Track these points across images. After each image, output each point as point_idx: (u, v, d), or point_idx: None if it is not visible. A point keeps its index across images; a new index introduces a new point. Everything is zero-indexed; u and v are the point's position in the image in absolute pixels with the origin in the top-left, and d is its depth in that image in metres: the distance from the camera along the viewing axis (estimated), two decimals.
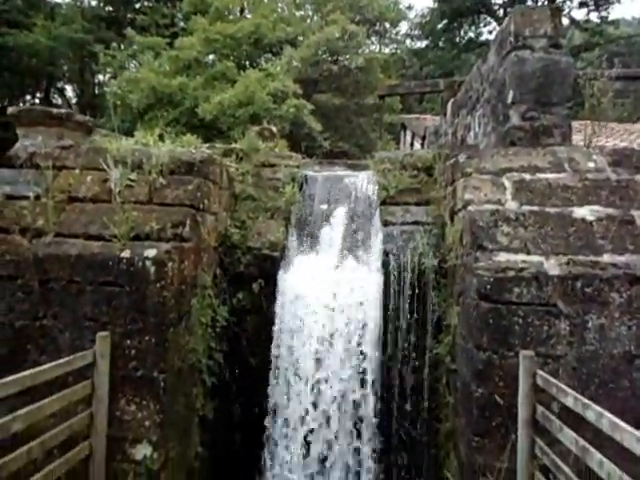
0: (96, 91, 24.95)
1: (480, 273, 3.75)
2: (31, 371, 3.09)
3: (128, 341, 3.92)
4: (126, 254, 3.99)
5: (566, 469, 2.94)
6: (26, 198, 4.36)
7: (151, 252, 3.97)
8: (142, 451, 3.81)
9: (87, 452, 3.66)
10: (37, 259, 4.04)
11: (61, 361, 3.43)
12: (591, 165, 4.35)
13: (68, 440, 3.57)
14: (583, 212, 4.01)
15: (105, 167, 4.46)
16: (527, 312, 3.66)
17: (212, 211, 4.85)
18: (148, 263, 3.94)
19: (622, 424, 2.36)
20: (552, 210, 4.03)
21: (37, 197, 4.36)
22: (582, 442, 2.76)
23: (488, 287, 3.71)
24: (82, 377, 3.71)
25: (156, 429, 3.85)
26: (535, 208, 4.06)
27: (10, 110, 4.77)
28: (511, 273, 3.71)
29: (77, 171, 4.56)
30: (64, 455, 3.44)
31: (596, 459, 2.58)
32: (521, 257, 3.79)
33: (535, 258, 3.77)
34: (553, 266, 3.72)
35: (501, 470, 3.51)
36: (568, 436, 2.91)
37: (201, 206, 4.51)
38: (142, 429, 3.85)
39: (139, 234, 4.10)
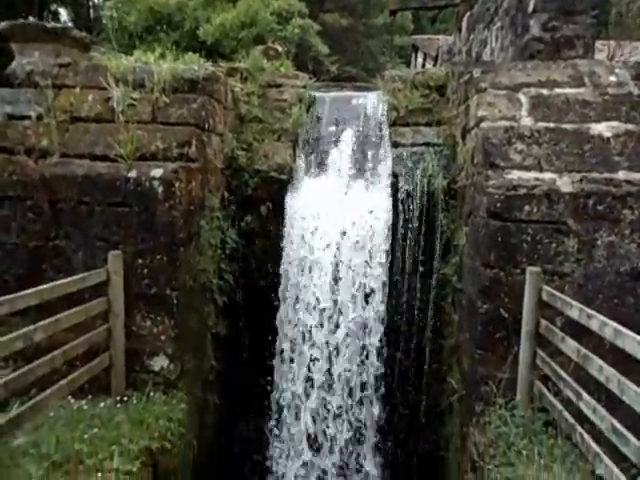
0: (92, 14, 23.74)
1: (491, 191, 3.70)
2: (48, 285, 3.18)
3: (140, 260, 3.99)
4: (133, 174, 3.96)
5: (565, 376, 3.06)
6: (28, 118, 4.27)
7: (158, 172, 3.94)
8: (159, 363, 4.00)
9: (107, 363, 3.85)
10: (44, 180, 4.03)
11: (76, 277, 3.52)
12: (613, 79, 4.13)
13: (88, 352, 3.76)
14: (600, 128, 3.87)
15: (106, 86, 4.32)
16: (536, 230, 3.64)
17: (218, 132, 4.74)
18: (155, 183, 3.93)
19: (625, 330, 2.41)
20: (568, 126, 3.89)
21: (39, 117, 4.26)
22: (583, 350, 2.85)
23: (498, 205, 3.67)
24: (98, 295, 3.82)
25: (171, 343, 4.02)
26: (551, 125, 3.92)
27: (2, 25, 4.55)
28: (522, 191, 3.65)
29: (77, 90, 4.42)
30: (86, 365, 3.62)
31: (596, 365, 2.66)
32: (533, 175, 3.71)
33: (548, 175, 3.70)
34: (566, 183, 3.65)
35: (502, 380, 3.66)
36: (570, 346, 3.00)
37: (206, 126, 4.40)
38: (158, 343, 4.02)
39: (145, 154, 4.05)
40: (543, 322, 3.41)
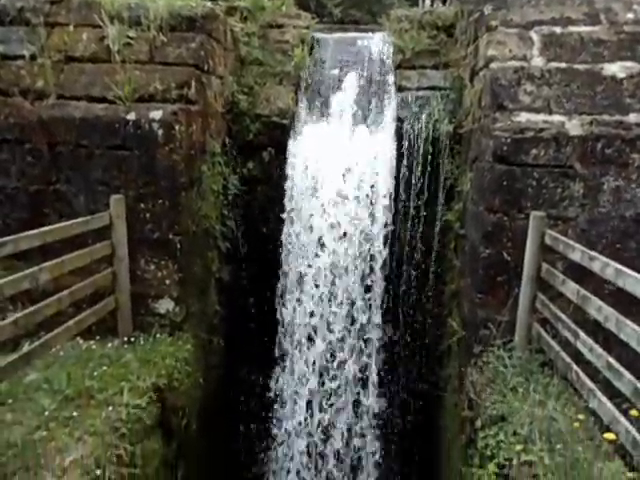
0: None
1: (497, 134, 3.63)
2: (51, 226, 3.19)
3: (142, 205, 3.98)
4: (132, 116, 3.88)
5: (564, 317, 3.11)
6: (21, 58, 4.13)
7: (157, 114, 3.86)
8: (165, 306, 4.07)
9: (113, 306, 3.92)
10: (42, 122, 3.95)
11: (79, 220, 3.52)
12: (630, 16, 3.94)
13: (95, 296, 3.82)
14: (614, 69, 3.73)
15: (100, 23, 4.15)
16: (542, 174, 3.60)
17: (218, 74, 4.60)
18: (155, 126, 3.85)
19: (626, 270, 2.42)
20: (581, 67, 3.75)
21: (33, 57, 4.13)
22: (583, 291, 2.88)
23: (504, 149, 3.60)
24: (101, 240, 3.83)
25: (176, 286, 4.07)
26: (563, 65, 3.78)
27: None
28: (530, 134, 3.58)
29: (71, 28, 4.24)
30: (92, 307, 3.69)
31: (595, 305, 2.70)
32: (542, 117, 3.62)
33: (557, 118, 3.61)
34: (575, 126, 3.57)
35: (501, 323, 3.73)
36: (570, 287, 3.03)
37: (205, 67, 4.26)
38: (163, 286, 4.08)
39: (143, 95, 3.95)
40: (544, 266, 3.43)
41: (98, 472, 2.70)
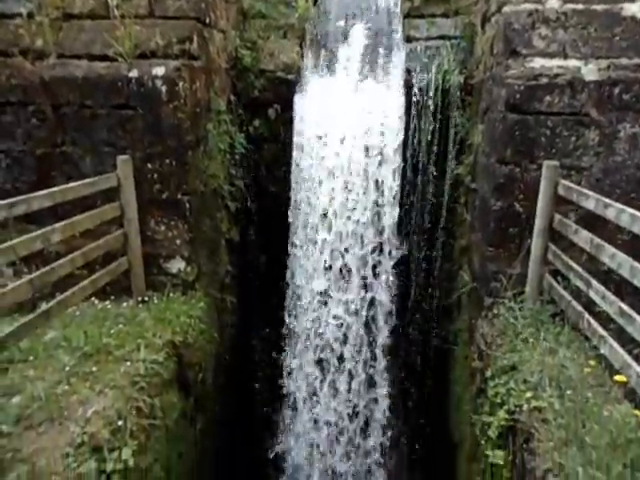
0: None
1: (510, 82, 3.51)
2: (61, 187, 3.19)
3: (149, 165, 3.95)
4: (134, 74, 3.80)
5: (576, 267, 3.09)
6: (19, 16, 4.01)
7: (160, 70, 3.77)
8: (176, 265, 4.11)
9: (126, 266, 3.96)
10: (44, 83, 3.88)
11: (87, 181, 3.51)
12: None
13: (107, 257, 3.86)
14: (635, 9, 3.54)
15: None
16: (556, 122, 3.50)
17: (220, 28, 4.46)
18: (158, 82, 3.77)
19: None
20: (599, 7, 3.57)
21: (30, 15, 4.01)
22: (596, 240, 2.84)
23: (517, 97, 3.49)
24: (110, 202, 3.84)
25: (187, 246, 4.10)
26: (579, 6, 3.59)
27: None
28: (544, 80, 3.46)
29: None
30: (105, 268, 3.74)
31: (608, 252, 2.67)
32: (557, 62, 3.49)
33: (572, 63, 3.47)
34: (591, 71, 3.43)
35: (512, 275, 3.72)
36: (583, 236, 2.99)
37: (207, 20, 4.13)
38: (174, 246, 4.10)
39: (144, 51, 3.84)
40: (557, 216, 3.38)
41: (120, 423, 2.80)
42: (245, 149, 4.89)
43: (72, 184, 3.36)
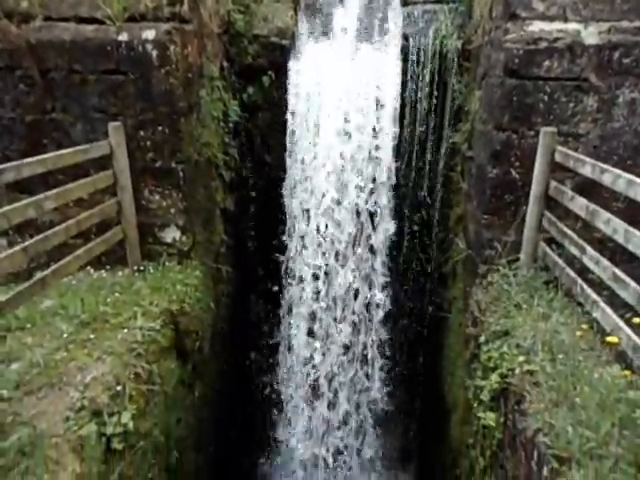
0: None
1: (509, 46, 3.44)
2: (52, 154, 3.13)
3: (142, 132, 3.88)
4: (124, 37, 3.69)
5: (571, 234, 3.10)
6: None
7: (150, 34, 3.66)
8: (171, 234, 4.09)
9: (121, 236, 3.94)
10: (31, 46, 3.77)
11: (79, 147, 3.45)
12: None
13: (102, 226, 3.84)
14: None
15: None
16: (554, 88, 3.45)
17: None
18: (149, 47, 3.67)
19: (638, 180, 2.37)
20: None
21: None
22: (592, 206, 2.85)
23: (516, 61, 3.44)
24: (103, 170, 3.79)
25: (182, 215, 4.07)
26: None
27: None
28: (543, 44, 3.40)
29: None
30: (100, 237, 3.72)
31: (604, 218, 2.68)
32: (557, 26, 3.42)
33: (572, 26, 3.40)
34: (591, 34, 3.37)
35: (507, 243, 3.74)
36: (578, 203, 3.00)
37: None
38: (168, 215, 4.08)
39: (133, 14, 3.72)
40: (553, 183, 3.38)
41: (118, 388, 2.83)
42: (239, 117, 4.81)
43: (64, 151, 3.30)
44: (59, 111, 3.91)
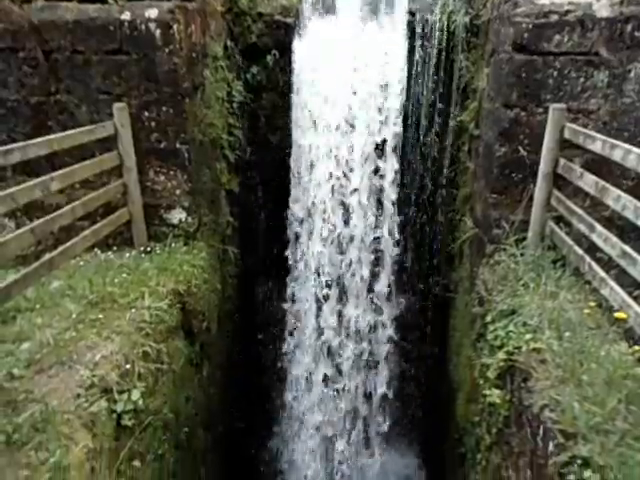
0: None
1: (518, 20, 3.37)
2: (57, 135, 3.13)
3: (146, 113, 3.86)
4: (126, 16, 3.65)
5: (580, 211, 3.07)
6: None
7: (153, 13, 3.62)
8: (177, 216, 4.10)
9: (127, 217, 3.96)
10: (33, 27, 3.74)
11: (84, 128, 3.45)
12: None
13: (107, 208, 3.85)
14: None
15: None
16: (564, 63, 3.39)
17: None
18: (152, 26, 3.63)
19: None
20: None
21: None
22: (602, 183, 2.81)
23: (525, 36, 3.37)
24: (108, 152, 3.78)
25: (187, 196, 4.07)
26: None
27: None
28: (554, 17, 3.32)
29: None
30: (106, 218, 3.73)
31: (613, 195, 2.65)
32: None
33: None
34: (603, 7, 3.29)
35: (514, 222, 3.71)
36: (588, 180, 2.96)
37: None
38: (174, 197, 4.08)
39: None
40: (562, 161, 3.33)
41: (128, 366, 2.87)
42: (243, 97, 4.77)
43: (69, 132, 3.29)
44: (63, 92, 3.90)
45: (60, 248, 3.15)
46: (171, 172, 4.01)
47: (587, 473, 2.03)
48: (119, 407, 2.69)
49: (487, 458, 3.35)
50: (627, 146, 2.55)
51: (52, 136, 3.07)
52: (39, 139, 2.94)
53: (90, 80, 3.83)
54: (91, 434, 2.44)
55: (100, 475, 2.42)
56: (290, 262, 5.18)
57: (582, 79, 3.40)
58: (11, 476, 1.99)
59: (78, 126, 3.81)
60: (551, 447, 2.29)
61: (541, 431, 2.42)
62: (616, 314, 2.50)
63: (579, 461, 2.10)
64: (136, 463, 2.86)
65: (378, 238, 4.84)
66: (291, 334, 5.38)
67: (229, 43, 4.64)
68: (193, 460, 3.90)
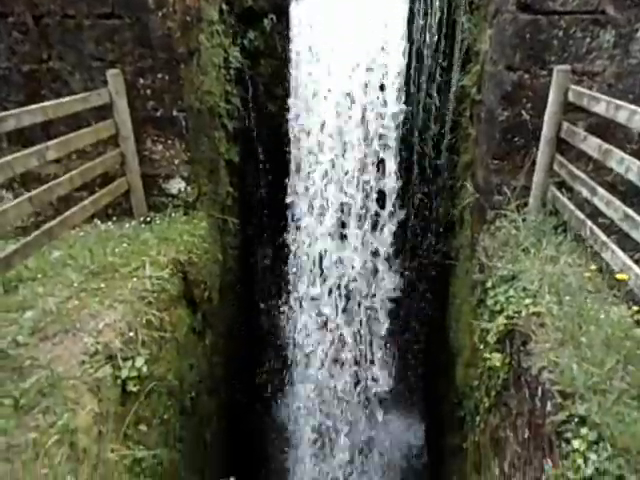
0: None
1: None
2: (51, 102, 3.07)
3: (141, 80, 3.79)
4: None
5: (582, 175, 3.04)
6: None
7: None
8: (176, 186, 4.07)
9: (126, 187, 3.93)
10: None
11: (78, 96, 3.38)
12: None
13: (106, 178, 3.82)
14: None
15: None
16: (570, 23, 3.29)
17: None
18: None
19: None
20: None
21: None
22: (605, 145, 2.77)
23: None
24: (103, 120, 3.73)
25: (186, 166, 4.03)
26: None
27: None
28: None
29: None
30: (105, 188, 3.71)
31: (617, 157, 2.61)
32: None
33: None
34: None
35: (516, 188, 3.68)
36: (591, 143, 2.92)
37: None
38: (172, 166, 4.04)
39: None
40: (565, 125, 3.28)
41: (131, 334, 2.90)
42: (241, 64, 4.66)
43: (63, 99, 3.23)
44: (55, 59, 3.81)
45: (59, 218, 3.14)
46: (169, 141, 3.96)
47: (584, 430, 2.07)
48: (124, 373, 2.73)
49: (486, 420, 3.42)
50: (632, 107, 2.50)
51: (46, 103, 3.02)
52: (33, 106, 2.88)
53: (82, 46, 3.74)
54: (97, 399, 2.48)
55: (107, 438, 2.47)
56: (290, 232, 5.16)
57: (588, 39, 3.31)
58: (20, 438, 2.03)
59: (72, 94, 3.73)
60: (549, 407, 2.33)
61: (539, 392, 2.45)
62: (617, 275, 2.50)
63: (576, 419, 2.14)
64: (142, 427, 2.93)
65: (379, 200, 4.80)
66: (291, 303, 5.41)
67: (224, 7, 4.51)
68: (198, 425, 3.99)
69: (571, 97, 3.19)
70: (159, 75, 3.76)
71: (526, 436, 2.65)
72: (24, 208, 2.79)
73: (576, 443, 2.04)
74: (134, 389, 2.80)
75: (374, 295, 5.11)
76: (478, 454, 3.59)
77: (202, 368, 4.10)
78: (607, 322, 2.52)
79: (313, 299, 5.21)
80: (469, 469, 3.84)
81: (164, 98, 3.82)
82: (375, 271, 4.99)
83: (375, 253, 4.97)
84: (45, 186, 3.01)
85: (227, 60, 4.52)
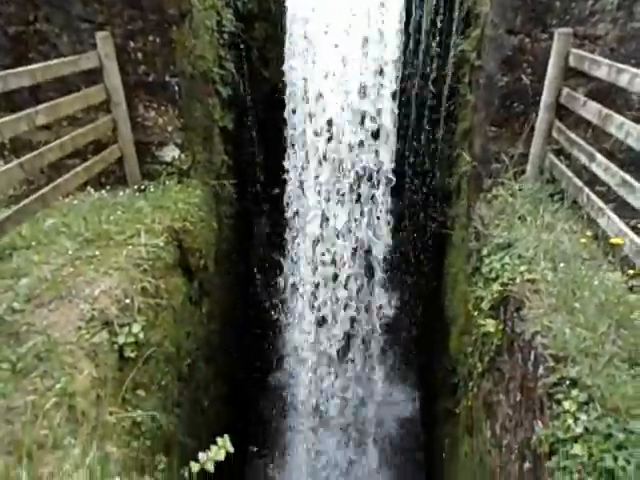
0: None
1: None
2: (39, 64, 2.99)
3: (132, 43, 3.68)
4: None
5: (580, 141, 3.01)
6: None
7: None
8: (170, 153, 4.01)
9: (119, 154, 3.87)
10: None
11: (66, 59, 3.29)
12: None
13: (98, 146, 3.76)
14: None
15: None
16: None
17: None
18: None
19: None
20: None
21: None
22: (605, 110, 2.73)
23: None
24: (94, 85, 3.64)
25: (179, 133, 3.96)
26: None
27: None
28: None
29: None
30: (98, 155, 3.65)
31: (617, 122, 2.58)
32: None
33: None
34: None
35: (514, 156, 3.65)
36: (591, 108, 2.88)
37: None
38: (166, 133, 3.97)
39: None
40: (565, 90, 3.23)
41: (127, 301, 2.90)
42: (234, 27, 4.53)
43: (51, 61, 3.14)
44: (42, 21, 3.69)
45: (52, 184, 3.09)
46: (162, 107, 3.88)
47: (574, 392, 2.11)
48: (120, 339, 2.74)
49: (479, 385, 3.49)
50: (634, 70, 2.45)
51: (34, 66, 2.93)
52: (20, 68, 2.80)
53: (70, 7, 3.61)
54: (94, 364, 2.50)
55: (105, 402, 2.50)
56: (287, 201, 5.13)
57: (591, 1, 3.22)
58: (19, 401, 2.05)
59: (61, 57, 3.65)
60: (541, 370, 2.37)
61: (532, 356, 2.49)
62: (612, 240, 2.50)
63: (567, 382, 2.18)
64: (141, 392, 2.96)
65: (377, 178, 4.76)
66: (289, 271, 5.42)
67: None
68: (195, 391, 4.05)
69: (572, 61, 3.12)
70: (150, 38, 3.65)
71: (518, 399, 2.70)
72: (15, 174, 2.74)
73: (567, 404, 2.08)
74: (131, 355, 2.81)
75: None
76: (470, 418, 3.67)
77: (199, 335, 4.13)
78: (601, 288, 2.54)
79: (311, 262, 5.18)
80: (461, 432, 3.94)
81: (156, 62, 3.72)
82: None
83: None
84: (36, 152, 2.95)
85: (220, 23, 4.39)
